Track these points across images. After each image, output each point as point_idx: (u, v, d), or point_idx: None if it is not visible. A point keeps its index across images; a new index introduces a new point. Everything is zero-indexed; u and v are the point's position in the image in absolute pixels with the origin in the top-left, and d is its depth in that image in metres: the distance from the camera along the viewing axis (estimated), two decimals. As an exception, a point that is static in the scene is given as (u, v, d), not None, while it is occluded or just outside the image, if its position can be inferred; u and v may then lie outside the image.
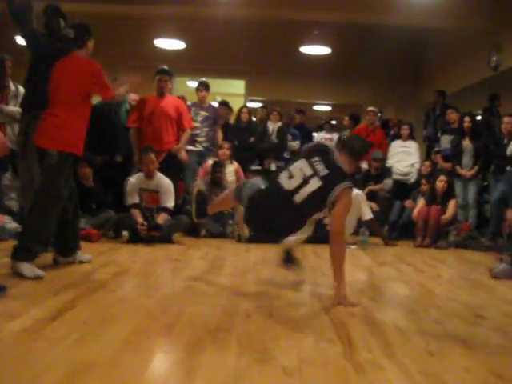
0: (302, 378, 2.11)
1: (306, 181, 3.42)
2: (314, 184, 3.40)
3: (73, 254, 4.36)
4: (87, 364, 2.13)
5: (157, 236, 5.76)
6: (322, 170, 3.43)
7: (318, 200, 3.42)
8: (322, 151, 3.57)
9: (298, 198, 3.41)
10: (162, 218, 5.89)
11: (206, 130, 7.73)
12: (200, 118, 7.71)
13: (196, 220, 4.32)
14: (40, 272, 3.75)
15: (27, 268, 3.72)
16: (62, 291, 3.37)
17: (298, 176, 3.45)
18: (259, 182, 3.71)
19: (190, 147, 7.49)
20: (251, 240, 4.04)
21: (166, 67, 6.74)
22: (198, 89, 7.93)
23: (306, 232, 4.06)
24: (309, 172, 3.44)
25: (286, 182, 3.47)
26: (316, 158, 3.49)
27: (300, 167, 3.49)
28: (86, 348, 2.33)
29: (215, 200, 4.64)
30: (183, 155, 6.92)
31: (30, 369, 2.06)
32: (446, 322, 3.07)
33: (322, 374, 2.16)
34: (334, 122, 11.54)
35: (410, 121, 9.03)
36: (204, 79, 8.24)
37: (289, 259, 4.08)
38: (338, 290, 3.40)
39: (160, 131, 6.49)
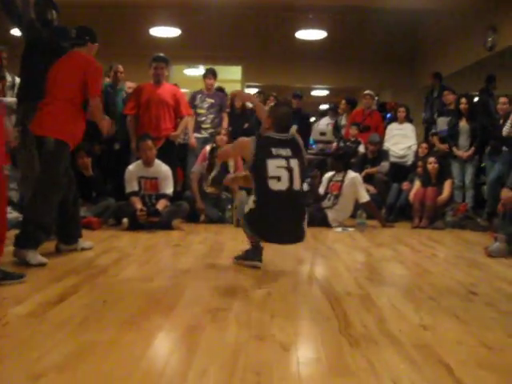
0: (297, 352, 2.18)
1: (289, 170, 3.64)
2: (295, 164, 3.70)
3: (75, 242, 4.43)
4: (90, 344, 2.20)
5: (156, 222, 5.83)
6: (285, 151, 3.70)
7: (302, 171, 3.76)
8: (270, 141, 3.77)
9: (296, 186, 3.66)
10: (161, 205, 5.96)
11: (211, 116, 7.80)
12: (206, 105, 7.77)
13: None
14: (43, 259, 3.82)
15: (30, 255, 3.78)
16: (65, 277, 3.44)
17: (283, 172, 3.64)
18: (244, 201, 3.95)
19: (195, 134, 7.56)
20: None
21: (162, 54, 6.77)
22: (205, 76, 7.98)
23: None
24: (283, 162, 3.66)
25: (280, 184, 3.64)
26: (273, 150, 3.69)
27: (275, 166, 3.65)
28: (89, 329, 2.41)
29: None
30: (192, 141, 7.04)
31: (36, 350, 2.13)
32: (439, 299, 3.14)
33: (317, 348, 2.23)
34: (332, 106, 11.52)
35: (406, 103, 9.06)
36: (209, 67, 8.27)
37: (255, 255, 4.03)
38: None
39: (157, 118, 6.54)
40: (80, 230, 4.53)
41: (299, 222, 3.77)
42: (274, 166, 3.64)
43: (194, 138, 7.38)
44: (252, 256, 3.92)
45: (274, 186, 3.64)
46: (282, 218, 3.67)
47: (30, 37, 4.77)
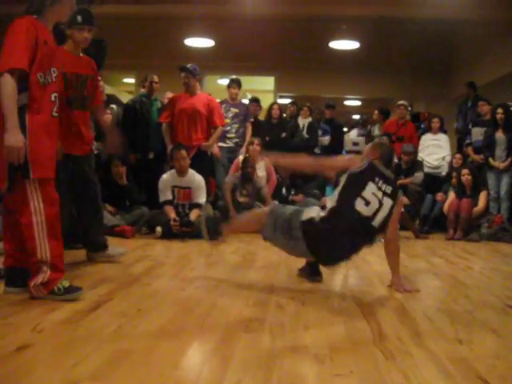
0: (332, 364, 2.16)
1: (380, 203, 3.47)
2: (387, 204, 3.49)
3: (103, 250, 4.41)
4: (125, 352, 2.21)
5: (189, 231, 5.86)
6: (386, 187, 3.51)
7: (389, 216, 3.54)
8: (378, 170, 3.58)
9: (376, 222, 3.46)
10: (194, 214, 5.99)
11: (236, 126, 7.84)
12: (230, 115, 7.82)
13: (210, 241, 4.02)
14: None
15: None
16: (99, 285, 3.47)
17: (374, 201, 3.46)
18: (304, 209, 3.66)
19: (220, 144, 7.60)
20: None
21: (187, 65, 6.66)
22: (229, 86, 8.03)
23: None
24: (380, 194, 3.48)
25: (365, 209, 3.43)
26: (377, 179, 3.51)
27: (372, 191, 3.47)
28: (123, 337, 2.42)
29: (237, 222, 4.39)
30: (215, 150, 7.05)
31: (71, 357, 2.14)
32: (476, 312, 3.09)
33: (351, 361, 2.21)
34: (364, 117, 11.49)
35: (440, 114, 8.97)
36: (235, 76, 8.33)
37: (314, 272, 3.90)
38: (396, 279, 3.67)
39: (189, 128, 6.56)
40: (105, 239, 4.49)
41: (355, 253, 3.57)
42: (371, 191, 3.46)
43: (217, 147, 7.39)
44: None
45: (359, 205, 3.43)
46: (347, 241, 3.45)
47: None
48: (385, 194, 3.48)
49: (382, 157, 3.66)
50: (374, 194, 3.45)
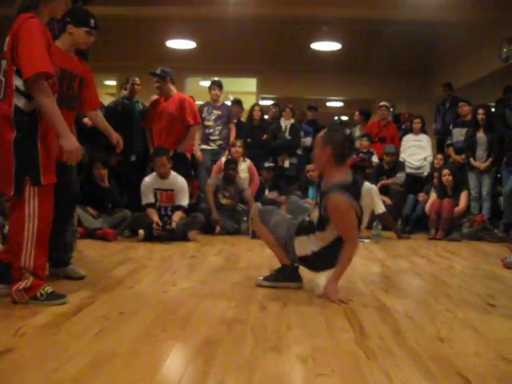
0: (315, 363, 2.17)
1: None
2: None
3: (63, 266, 3.88)
4: (108, 355, 2.21)
5: (172, 234, 5.86)
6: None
7: None
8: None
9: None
10: (177, 216, 5.97)
11: (219, 128, 7.84)
12: (213, 117, 7.82)
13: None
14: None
15: None
16: (81, 288, 3.45)
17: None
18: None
19: (204, 146, 7.60)
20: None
21: (156, 70, 6.56)
22: (210, 88, 8.02)
23: None
24: None
25: None
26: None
27: None
28: (105, 340, 2.42)
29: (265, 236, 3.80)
30: (198, 153, 7.03)
31: (53, 360, 2.14)
32: (456, 310, 3.12)
33: (334, 360, 2.22)
34: (345, 118, 11.57)
35: (421, 115, 9.03)
36: (217, 78, 8.33)
37: (294, 277, 3.75)
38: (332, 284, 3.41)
39: (164, 131, 6.47)
40: (70, 255, 3.98)
41: None
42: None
43: (199, 150, 7.37)
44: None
45: None
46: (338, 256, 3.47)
47: None
48: None
49: (335, 154, 3.41)
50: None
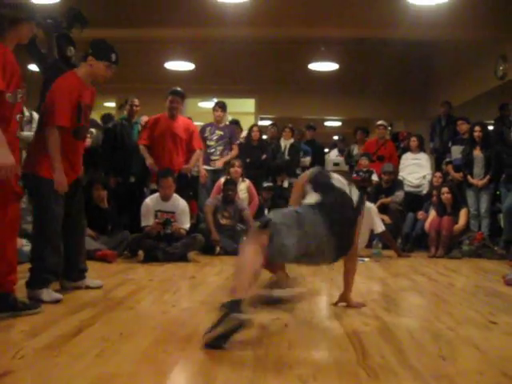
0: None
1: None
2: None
3: (80, 279, 4.15)
4: (108, 377, 2.20)
5: (173, 253, 5.89)
6: None
7: None
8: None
9: None
10: (176, 227, 6.00)
11: (220, 148, 7.85)
12: (215, 137, 7.84)
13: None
14: (58, 295, 3.72)
15: (44, 293, 3.67)
16: (81, 310, 3.44)
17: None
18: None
19: (205, 166, 7.62)
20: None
21: (179, 89, 6.73)
22: (214, 109, 8.07)
23: None
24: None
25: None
26: None
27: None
28: (105, 362, 2.40)
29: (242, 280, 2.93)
30: (202, 173, 7.08)
31: (53, 383, 2.12)
32: (458, 328, 3.10)
33: (335, 380, 2.21)
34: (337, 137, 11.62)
35: (419, 133, 9.06)
36: (219, 100, 8.37)
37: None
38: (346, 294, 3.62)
39: (170, 152, 6.52)
40: (85, 267, 4.23)
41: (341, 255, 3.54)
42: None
43: (204, 170, 7.39)
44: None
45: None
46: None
47: (51, 75, 4.72)
48: None
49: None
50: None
